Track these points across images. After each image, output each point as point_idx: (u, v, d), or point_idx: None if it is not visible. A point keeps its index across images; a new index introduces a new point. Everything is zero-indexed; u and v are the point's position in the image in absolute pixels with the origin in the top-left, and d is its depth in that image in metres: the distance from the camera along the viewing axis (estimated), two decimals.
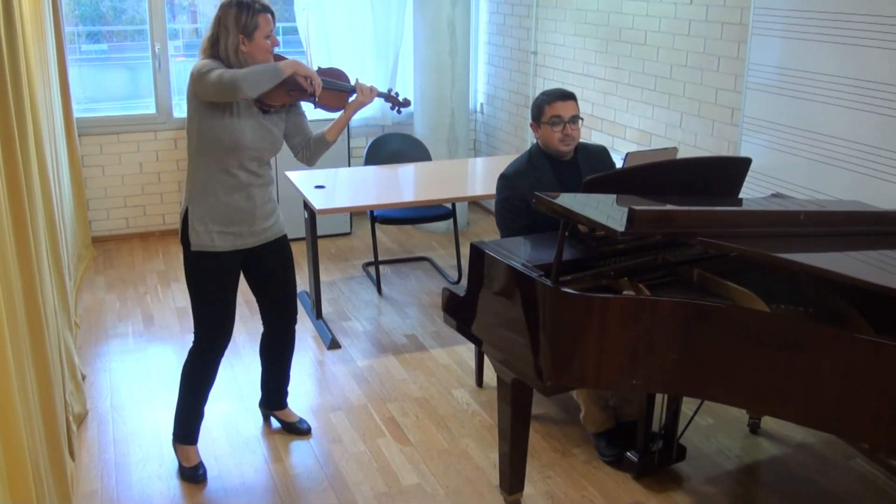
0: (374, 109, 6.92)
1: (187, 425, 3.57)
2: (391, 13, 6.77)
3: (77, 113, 6.01)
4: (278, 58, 3.35)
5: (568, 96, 3.66)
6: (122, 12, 6.49)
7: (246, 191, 3.33)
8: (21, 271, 2.81)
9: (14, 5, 3.13)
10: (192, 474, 3.51)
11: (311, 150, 3.52)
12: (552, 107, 3.63)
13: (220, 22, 3.21)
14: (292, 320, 3.70)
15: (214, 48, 3.23)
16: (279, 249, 3.53)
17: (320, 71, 3.49)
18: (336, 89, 3.49)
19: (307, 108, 3.52)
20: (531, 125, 3.74)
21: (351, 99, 3.52)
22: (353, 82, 3.53)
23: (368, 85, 3.52)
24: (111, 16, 6.49)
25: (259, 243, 3.44)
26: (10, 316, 2.49)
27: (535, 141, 3.78)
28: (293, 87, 3.32)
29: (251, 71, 3.12)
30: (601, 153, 3.90)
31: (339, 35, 6.60)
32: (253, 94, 3.13)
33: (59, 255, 4.12)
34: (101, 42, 6.57)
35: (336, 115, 3.54)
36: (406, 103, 3.81)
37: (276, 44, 3.28)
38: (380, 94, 3.60)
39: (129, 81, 6.81)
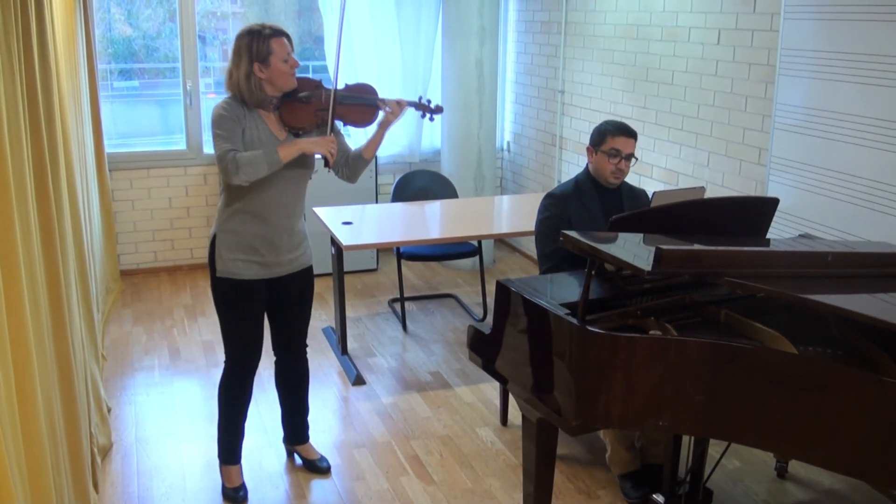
0: (402, 147, 6.97)
1: (227, 444, 3.63)
2: (419, 52, 6.83)
3: (108, 148, 6.08)
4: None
5: (632, 134, 3.74)
6: (154, 50, 6.60)
7: (274, 223, 3.36)
8: (50, 303, 2.84)
9: (49, 43, 3.19)
10: (234, 496, 3.58)
11: (350, 168, 3.55)
12: (615, 139, 3.70)
13: (234, 52, 3.25)
14: (302, 349, 3.74)
15: (230, 80, 3.27)
16: (303, 280, 3.57)
17: (348, 87, 3.50)
18: (363, 104, 3.49)
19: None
20: (587, 148, 3.81)
21: (380, 114, 3.52)
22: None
23: (395, 99, 3.53)
24: (143, 54, 6.59)
25: (285, 273, 3.47)
26: (38, 347, 2.51)
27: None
28: (319, 108, 3.34)
29: (251, 159, 3.14)
30: (643, 195, 3.97)
31: (367, 73, 6.65)
32: (247, 181, 3.15)
33: (88, 288, 4.16)
34: (133, 79, 6.68)
35: (368, 129, 3.56)
36: (438, 110, 3.73)
37: (295, 65, 3.28)
38: (409, 104, 3.60)
39: (160, 118, 6.90)
